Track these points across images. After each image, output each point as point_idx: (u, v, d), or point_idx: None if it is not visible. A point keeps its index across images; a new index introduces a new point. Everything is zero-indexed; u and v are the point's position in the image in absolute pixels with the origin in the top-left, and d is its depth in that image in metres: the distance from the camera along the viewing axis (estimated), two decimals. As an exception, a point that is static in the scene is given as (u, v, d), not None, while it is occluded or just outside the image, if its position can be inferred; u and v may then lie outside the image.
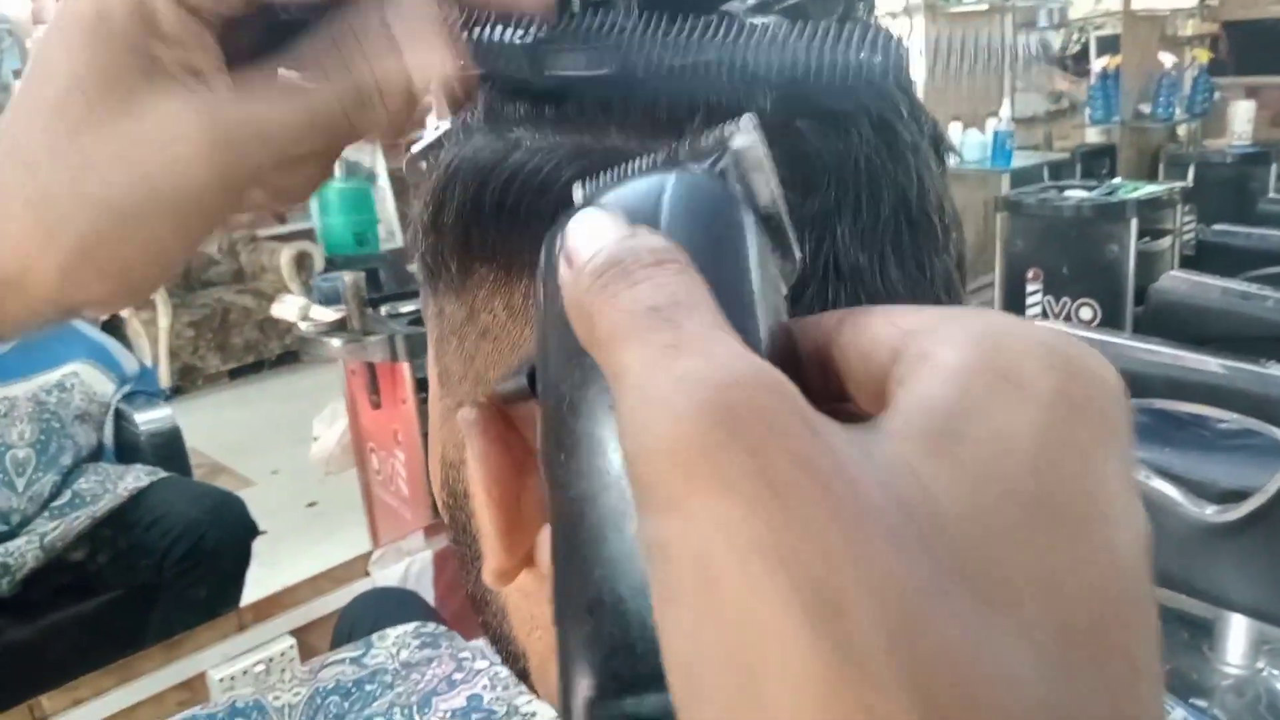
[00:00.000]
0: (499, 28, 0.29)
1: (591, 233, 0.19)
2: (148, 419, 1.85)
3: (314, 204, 2.24)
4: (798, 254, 0.22)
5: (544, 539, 0.29)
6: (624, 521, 0.18)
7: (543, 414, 0.20)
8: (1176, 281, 2.24)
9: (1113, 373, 0.16)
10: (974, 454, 0.15)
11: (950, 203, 0.30)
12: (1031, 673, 0.13)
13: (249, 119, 0.26)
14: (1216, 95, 4.13)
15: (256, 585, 1.70)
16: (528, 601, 0.32)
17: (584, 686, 0.18)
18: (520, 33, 0.28)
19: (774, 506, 0.13)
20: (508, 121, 0.29)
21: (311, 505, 2.56)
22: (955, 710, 0.12)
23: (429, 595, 1.64)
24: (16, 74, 2.97)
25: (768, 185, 0.21)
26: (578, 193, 0.23)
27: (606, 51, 0.27)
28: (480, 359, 0.30)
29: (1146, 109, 4.00)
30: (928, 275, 0.28)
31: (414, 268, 0.34)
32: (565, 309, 0.19)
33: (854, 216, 0.27)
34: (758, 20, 0.27)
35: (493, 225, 0.28)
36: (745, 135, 0.21)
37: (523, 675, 0.34)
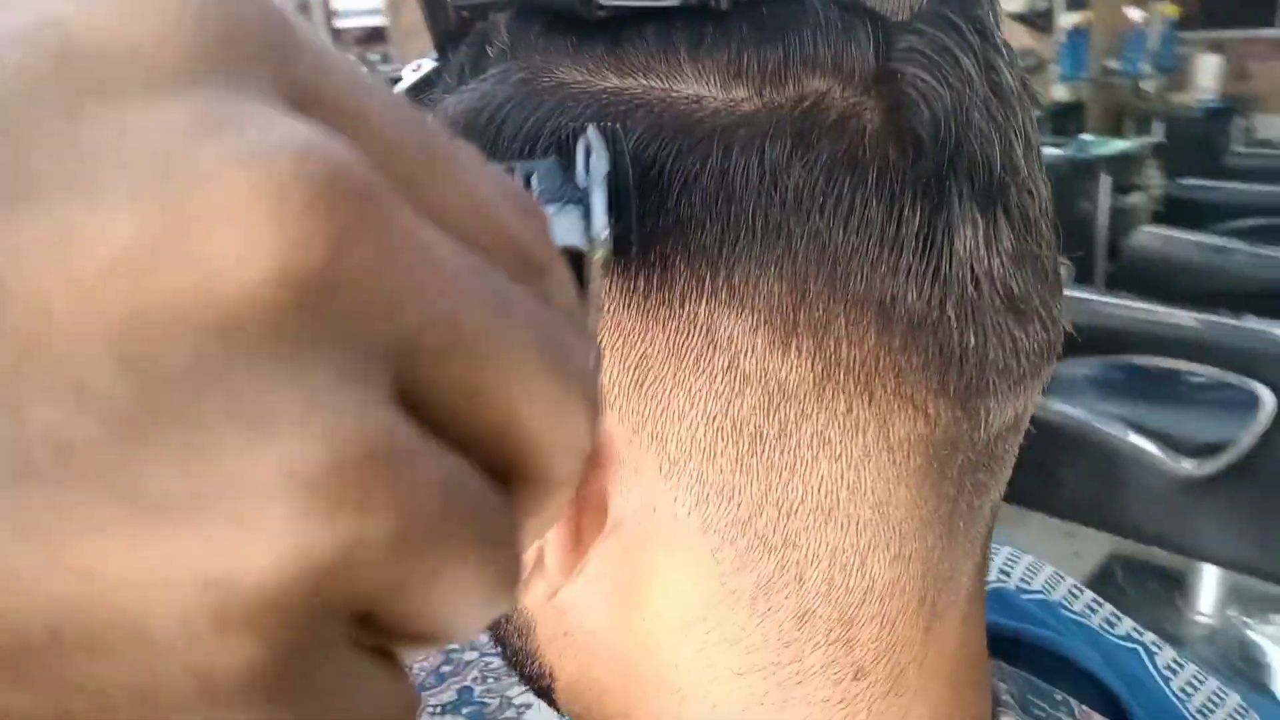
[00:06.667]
0: None
1: None
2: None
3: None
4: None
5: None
6: None
7: None
8: (1150, 237, 2.24)
9: None
10: None
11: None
12: None
13: None
14: (1183, 50, 4.13)
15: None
16: (562, 619, 0.28)
17: None
18: None
19: None
20: (541, 58, 0.24)
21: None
22: None
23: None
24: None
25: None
26: None
27: None
28: None
29: (1114, 65, 3.98)
30: (1040, 243, 0.25)
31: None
32: None
33: (970, 180, 0.22)
34: None
35: None
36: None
37: (542, 693, 0.30)
